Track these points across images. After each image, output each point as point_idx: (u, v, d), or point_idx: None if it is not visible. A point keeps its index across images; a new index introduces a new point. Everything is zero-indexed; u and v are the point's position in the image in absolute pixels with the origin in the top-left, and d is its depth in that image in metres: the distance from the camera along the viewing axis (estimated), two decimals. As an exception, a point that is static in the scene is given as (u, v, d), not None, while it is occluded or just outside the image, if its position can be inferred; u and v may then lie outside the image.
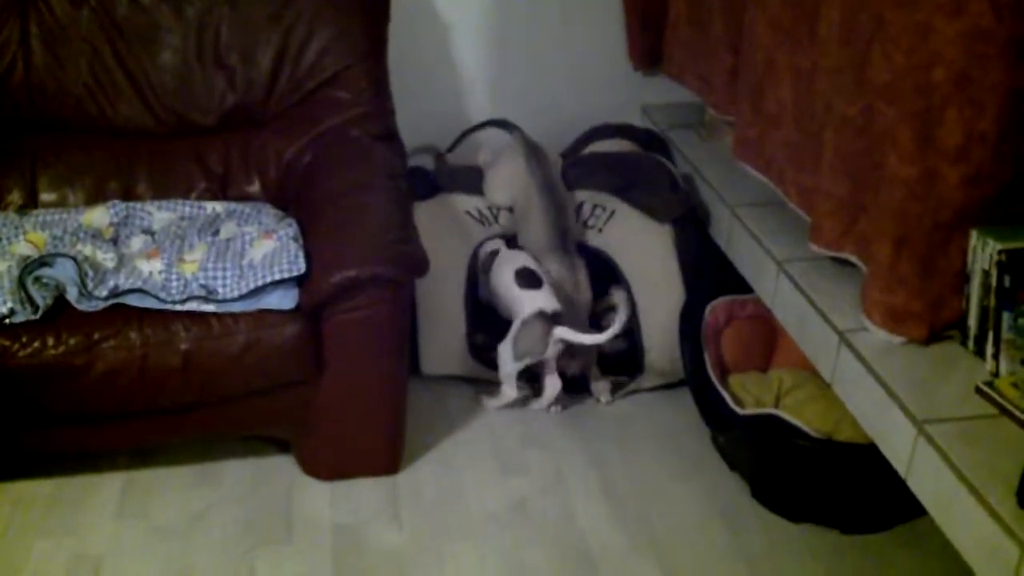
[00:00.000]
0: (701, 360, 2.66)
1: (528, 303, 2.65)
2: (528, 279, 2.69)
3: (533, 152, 2.92)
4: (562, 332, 2.60)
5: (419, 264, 2.39)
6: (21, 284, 2.27)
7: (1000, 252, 1.85)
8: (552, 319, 2.62)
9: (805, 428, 2.36)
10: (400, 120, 2.94)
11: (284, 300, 2.34)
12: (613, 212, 2.95)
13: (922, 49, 1.79)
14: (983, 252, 1.88)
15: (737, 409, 2.48)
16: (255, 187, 2.84)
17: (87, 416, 2.36)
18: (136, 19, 2.77)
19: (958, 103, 1.79)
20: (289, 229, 2.50)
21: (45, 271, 2.31)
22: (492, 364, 2.84)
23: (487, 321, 2.88)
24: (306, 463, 2.59)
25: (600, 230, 2.92)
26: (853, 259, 2.14)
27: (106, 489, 2.53)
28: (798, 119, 2.29)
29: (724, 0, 2.66)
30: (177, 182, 2.81)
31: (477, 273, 2.89)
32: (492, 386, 2.88)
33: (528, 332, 2.64)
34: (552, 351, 2.64)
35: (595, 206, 2.96)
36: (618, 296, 2.84)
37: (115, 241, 2.58)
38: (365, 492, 2.54)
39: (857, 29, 1.97)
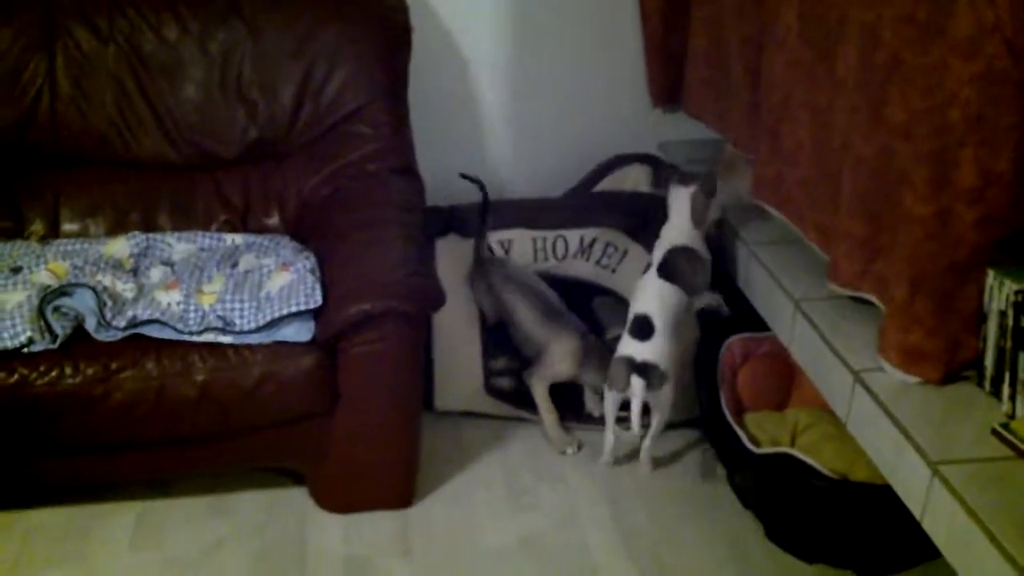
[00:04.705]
0: (716, 398, 2.65)
1: (621, 348, 2.61)
2: (640, 329, 2.59)
3: (480, 267, 2.86)
4: (637, 385, 2.55)
5: (434, 298, 2.40)
6: (40, 313, 2.29)
7: (1017, 292, 1.83)
8: (637, 369, 2.55)
9: (820, 468, 2.34)
10: (419, 154, 2.96)
11: (300, 332, 2.35)
12: (626, 252, 2.96)
13: (938, 90, 1.79)
14: (1000, 293, 1.87)
15: (752, 448, 2.47)
16: (274, 220, 2.87)
17: (102, 446, 2.37)
18: (161, 54, 2.80)
19: (974, 144, 1.78)
20: (307, 262, 2.52)
21: (64, 301, 2.33)
22: (508, 396, 2.83)
23: (509, 346, 2.87)
24: (319, 495, 2.59)
25: (614, 271, 2.92)
26: (872, 298, 2.13)
27: (120, 519, 2.54)
28: (816, 158, 2.29)
29: (743, 38, 2.67)
30: (197, 214, 2.84)
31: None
32: (508, 422, 2.88)
33: (615, 367, 2.60)
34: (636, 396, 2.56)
35: (607, 244, 2.96)
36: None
37: (135, 272, 2.60)
38: (378, 525, 2.54)
39: (874, 69, 1.97)
